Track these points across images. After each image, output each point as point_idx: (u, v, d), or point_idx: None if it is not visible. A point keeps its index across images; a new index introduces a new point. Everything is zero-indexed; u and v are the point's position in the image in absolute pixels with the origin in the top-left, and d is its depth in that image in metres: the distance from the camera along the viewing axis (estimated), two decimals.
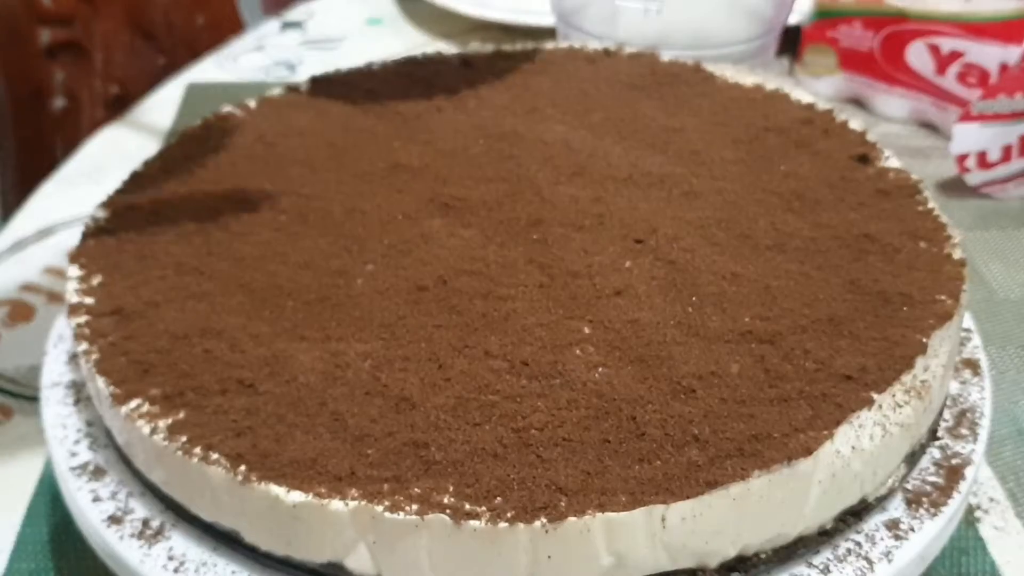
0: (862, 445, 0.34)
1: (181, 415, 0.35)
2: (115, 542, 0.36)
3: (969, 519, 0.45)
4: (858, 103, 0.78)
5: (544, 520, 0.31)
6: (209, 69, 0.89)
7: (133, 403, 0.36)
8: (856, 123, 0.51)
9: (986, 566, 0.43)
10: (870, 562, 0.35)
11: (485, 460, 0.33)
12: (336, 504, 0.32)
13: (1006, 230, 0.64)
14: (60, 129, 0.94)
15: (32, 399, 0.51)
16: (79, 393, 0.42)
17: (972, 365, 0.43)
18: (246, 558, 0.35)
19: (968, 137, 0.65)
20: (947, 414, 0.41)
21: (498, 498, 0.32)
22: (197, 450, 0.34)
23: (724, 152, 0.49)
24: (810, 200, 0.45)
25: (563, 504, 0.31)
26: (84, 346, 0.39)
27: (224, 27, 1.06)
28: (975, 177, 0.66)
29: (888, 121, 0.76)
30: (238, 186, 0.48)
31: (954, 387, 0.42)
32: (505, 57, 0.59)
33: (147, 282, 0.42)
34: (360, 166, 0.49)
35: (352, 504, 0.32)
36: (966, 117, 0.65)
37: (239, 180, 0.48)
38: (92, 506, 0.37)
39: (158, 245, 0.44)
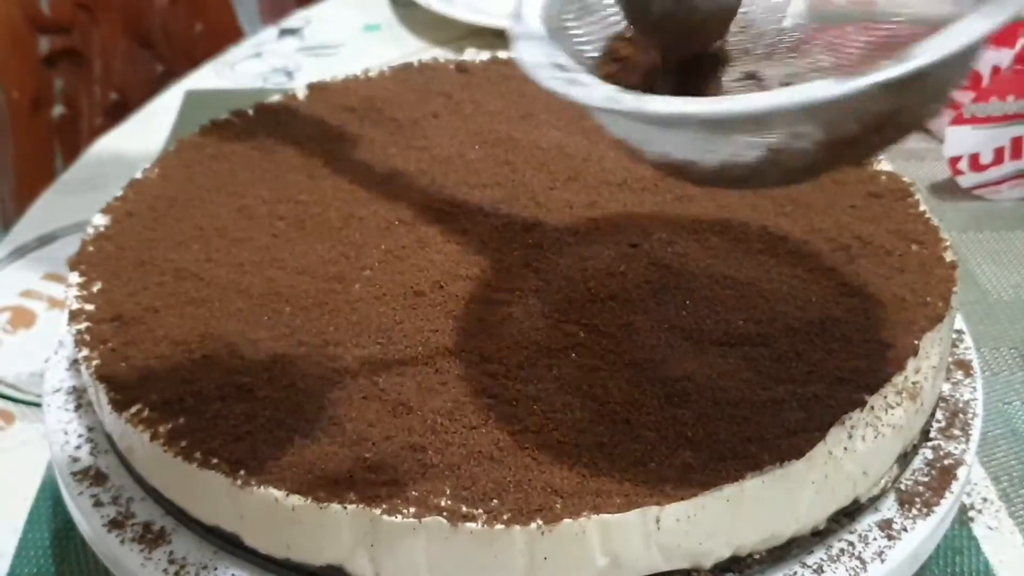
0: (854, 446, 0.35)
1: (181, 420, 0.36)
2: (116, 546, 0.36)
3: (962, 519, 0.45)
4: None
5: (540, 522, 0.31)
6: (207, 76, 0.89)
7: (133, 408, 0.37)
8: None
9: (980, 565, 0.43)
10: (863, 562, 0.35)
11: (482, 463, 0.33)
12: (335, 507, 0.32)
13: (999, 232, 0.64)
14: (60, 136, 0.94)
15: (34, 405, 0.52)
16: (80, 399, 0.42)
17: (964, 366, 0.44)
18: (247, 561, 0.36)
19: (960, 140, 0.65)
20: (939, 415, 0.41)
21: (494, 500, 0.32)
22: (197, 455, 0.35)
23: None
24: (802, 204, 0.45)
25: (559, 506, 0.32)
26: (85, 352, 0.39)
27: (222, 34, 1.06)
28: (968, 179, 0.66)
29: None
30: (236, 193, 0.48)
31: (946, 388, 0.42)
32: (500, 63, 0.59)
33: (146, 288, 0.42)
34: (357, 172, 0.49)
35: (350, 507, 0.32)
36: (958, 120, 0.65)
37: (237, 187, 0.48)
38: (93, 511, 0.38)
39: (157, 252, 0.44)
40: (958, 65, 0.30)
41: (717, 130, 0.30)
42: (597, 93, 0.31)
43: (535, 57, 0.33)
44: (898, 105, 0.30)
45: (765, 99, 0.29)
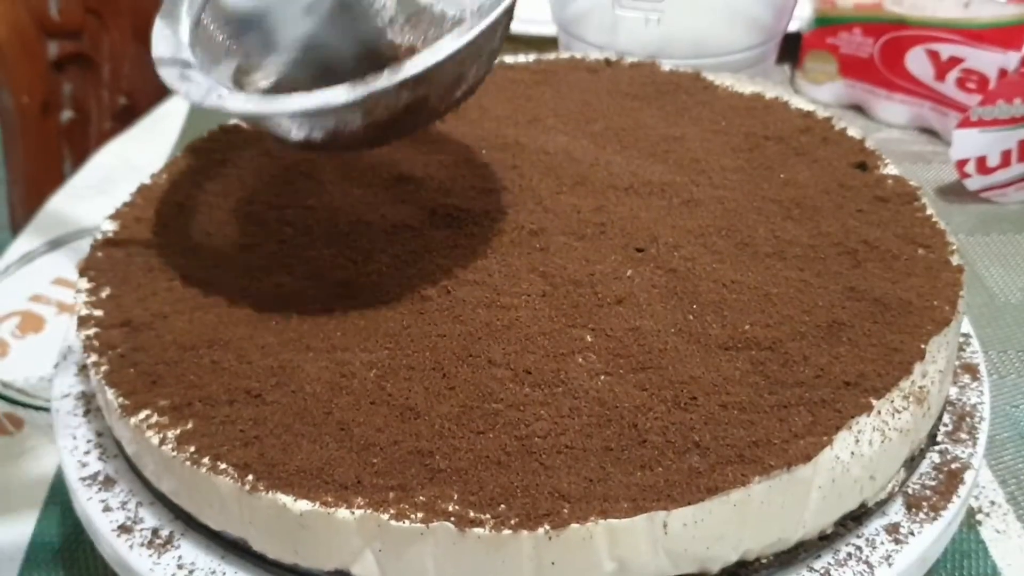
0: (861, 451, 0.35)
1: (189, 425, 0.36)
2: (125, 551, 0.37)
3: (970, 522, 0.45)
4: (859, 109, 0.78)
5: (547, 527, 0.31)
6: None
7: (142, 414, 0.37)
8: (855, 130, 0.51)
9: (987, 569, 0.43)
10: (870, 566, 0.35)
11: (489, 468, 0.34)
12: (342, 512, 0.32)
13: (1006, 234, 0.64)
14: (68, 141, 0.95)
15: (42, 410, 0.52)
16: (89, 404, 0.43)
17: (971, 369, 0.44)
18: (254, 566, 0.36)
19: (968, 142, 0.65)
20: (946, 418, 0.41)
21: (502, 505, 0.32)
22: (205, 460, 0.35)
23: (724, 160, 0.49)
24: (809, 208, 0.45)
25: (566, 511, 0.32)
26: (93, 358, 0.39)
27: None
28: (975, 182, 0.66)
29: (888, 127, 0.76)
30: (244, 198, 0.48)
31: (953, 391, 0.42)
32: (507, 68, 0.59)
33: (155, 294, 0.42)
34: (364, 178, 0.49)
35: (358, 512, 0.32)
36: (965, 122, 0.65)
37: (245, 192, 0.49)
38: (102, 516, 0.38)
39: (166, 257, 0.44)
40: (452, 69, 0.38)
41: (276, 119, 0.39)
42: (196, 92, 0.39)
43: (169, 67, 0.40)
44: (412, 98, 0.38)
45: (296, 100, 0.37)
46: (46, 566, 0.45)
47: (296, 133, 0.40)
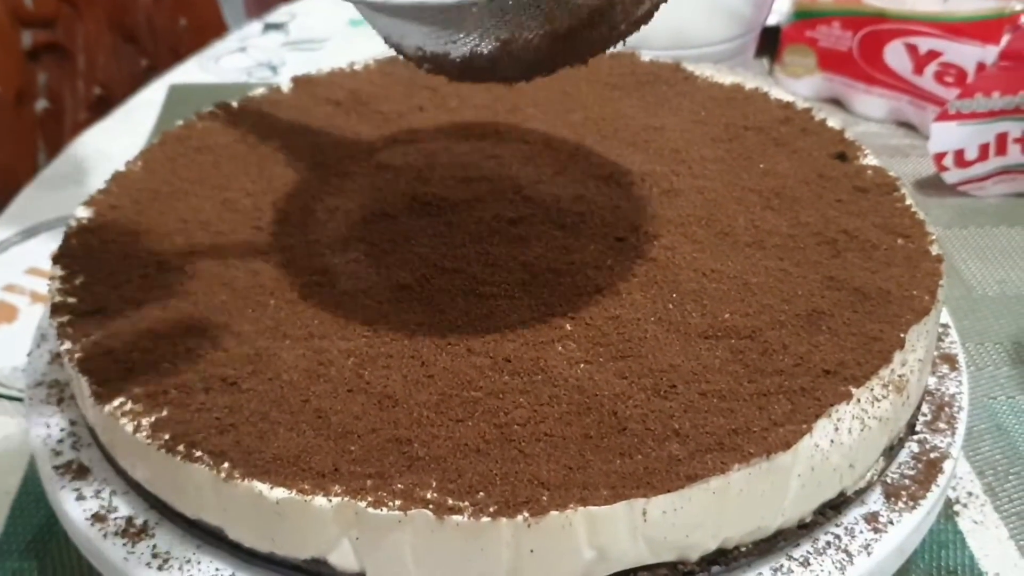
0: (840, 439, 0.35)
1: (164, 413, 0.36)
2: (99, 540, 0.36)
3: (948, 513, 0.45)
4: (837, 103, 0.78)
5: (526, 514, 0.31)
6: (191, 71, 0.89)
7: (116, 401, 0.36)
8: (834, 122, 0.51)
9: (964, 559, 0.43)
10: (849, 555, 0.35)
11: (468, 455, 0.33)
12: (319, 500, 0.32)
13: (984, 228, 0.65)
14: (43, 131, 0.94)
15: (15, 399, 0.51)
16: (62, 392, 0.42)
17: (949, 360, 0.44)
18: (230, 555, 0.35)
19: (946, 136, 0.65)
20: (925, 408, 0.41)
21: (480, 493, 0.32)
22: (180, 448, 0.34)
23: (704, 151, 0.49)
24: (789, 197, 0.45)
25: (545, 498, 0.32)
26: (67, 345, 0.39)
27: (207, 29, 1.06)
28: (953, 175, 0.67)
29: (867, 120, 0.76)
30: (220, 186, 0.48)
31: (932, 381, 0.43)
32: None
33: (129, 281, 0.42)
34: (342, 166, 0.49)
35: (335, 500, 0.32)
36: (944, 116, 0.65)
37: (221, 180, 0.48)
38: (76, 505, 0.37)
39: (140, 244, 0.44)
40: None
41: (435, 19, 0.35)
42: None
43: None
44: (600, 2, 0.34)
45: None
46: (19, 556, 0.44)
47: (463, 45, 0.35)
